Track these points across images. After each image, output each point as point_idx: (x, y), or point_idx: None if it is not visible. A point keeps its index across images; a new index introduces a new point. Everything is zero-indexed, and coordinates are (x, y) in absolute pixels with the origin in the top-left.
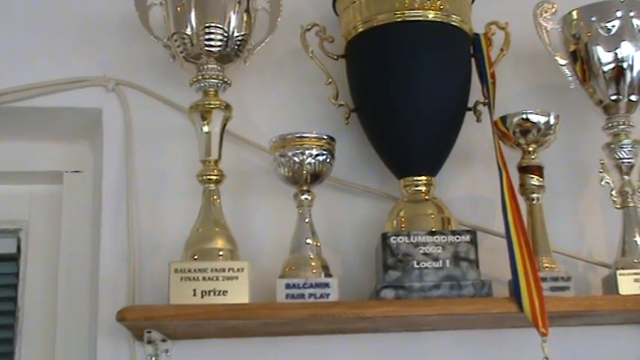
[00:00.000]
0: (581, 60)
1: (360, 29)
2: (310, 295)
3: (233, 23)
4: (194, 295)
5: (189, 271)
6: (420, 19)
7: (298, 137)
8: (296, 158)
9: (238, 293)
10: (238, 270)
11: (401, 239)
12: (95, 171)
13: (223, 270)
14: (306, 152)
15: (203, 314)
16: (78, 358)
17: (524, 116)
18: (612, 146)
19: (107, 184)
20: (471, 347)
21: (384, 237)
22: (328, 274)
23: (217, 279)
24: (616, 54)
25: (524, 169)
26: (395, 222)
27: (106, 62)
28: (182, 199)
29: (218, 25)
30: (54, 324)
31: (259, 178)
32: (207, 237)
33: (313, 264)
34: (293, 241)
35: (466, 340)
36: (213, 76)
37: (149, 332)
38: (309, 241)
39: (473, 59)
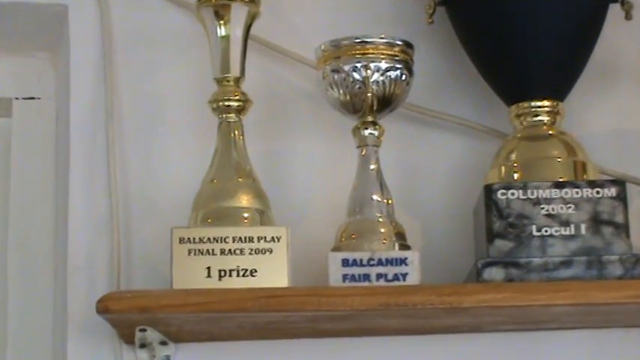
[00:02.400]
0: None
1: None
2: (379, 275)
3: None
4: (208, 276)
5: (201, 240)
6: None
7: (359, 43)
8: (356, 75)
9: (273, 273)
10: (272, 239)
11: (513, 194)
12: (58, 97)
13: (251, 239)
14: (372, 66)
15: (221, 304)
16: None
17: None
18: None
19: (76, 115)
20: (616, 355)
21: (489, 191)
22: (405, 246)
23: (242, 252)
24: None
25: None
26: (504, 169)
27: None
28: (187, 137)
29: None
30: (2, 320)
31: (300, 105)
32: (227, 191)
33: (383, 230)
34: (352, 197)
35: (609, 344)
36: None
37: (143, 331)
38: (375, 197)
39: None
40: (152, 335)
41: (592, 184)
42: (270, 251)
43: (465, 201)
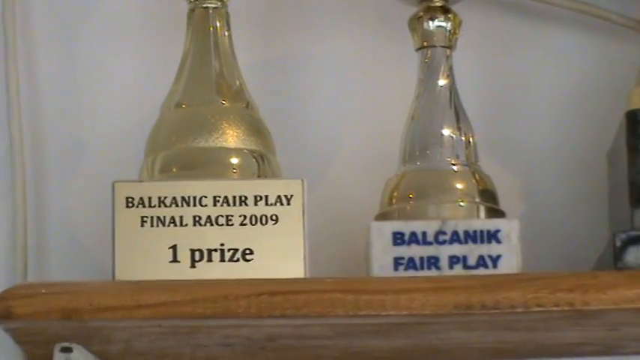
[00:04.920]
0: None
1: None
2: (454, 259)
3: None
4: (174, 260)
5: (162, 203)
6: None
7: None
8: None
9: (279, 256)
10: (279, 201)
11: None
12: None
13: (244, 201)
14: None
15: (195, 306)
16: None
17: None
18: None
19: None
20: None
21: (635, 120)
22: (496, 211)
23: (229, 222)
24: None
25: None
26: None
27: None
28: (132, 35)
29: None
30: None
31: None
32: (203, 123)
33: (459, 186)
34: (408, 133)
35: None
36: None
37: (67, 351)
38: (447, 132)
39: None
40: (81, 358)
41: None
42: (275, 220)
43: (593, 139)
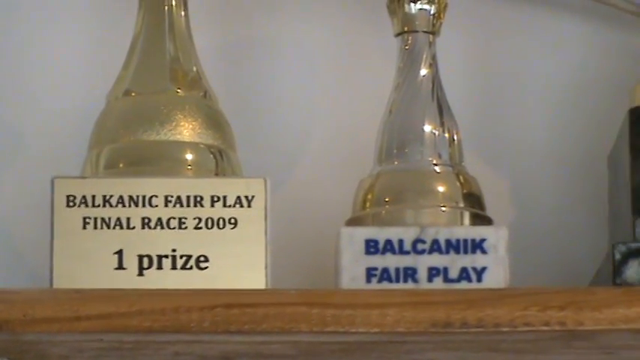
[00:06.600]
0: None
1: None
2: (433, 271)
3: None
4: (119, 267)
5: (107, 202)
6: None
7: None
8: None
9: (238, 265)
10: (239, 202)
11: None
12: None
13: (199, 201)
14: None
15: (142, 319)
16: None
17: None
18: None
19: None
20: None
21: (637, 118)
22: (481, 218)
23: (182, 225)
24: None
25: None
26: None
27: None
28: (74, 14)
29: None
30: None
31: None
32: (154, 113)
33: (441, 189)
34: (386, 128)
35: None
36: None
37: None
38: (429, 128)
39: None
40: None
41: None
42: (234, 224)
43: (593, 139)
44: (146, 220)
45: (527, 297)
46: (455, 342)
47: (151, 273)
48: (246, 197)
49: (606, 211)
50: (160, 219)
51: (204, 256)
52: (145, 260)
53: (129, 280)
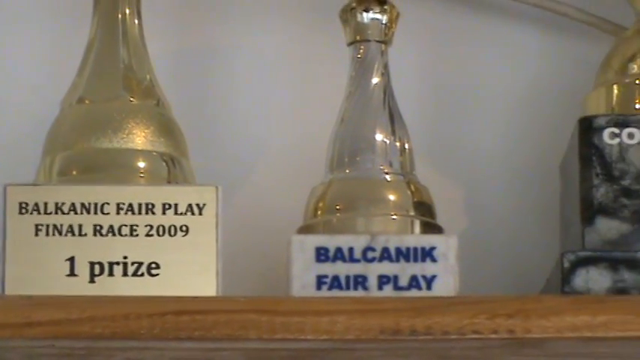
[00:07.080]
0: None
1: None
2: (384, 279)
3: None
4: (71, 273)
5: (59, 209)
6: None
7: None
8: None
9: (189, 272)
10: (190, 210)
11: (632, 135)
12: None
13: (151, 209)
14: None
15: (94, 326)
16: None
17: None
18: None
19: None
20: None
21: (588, 129)
22: (432, 226)
23: (134, 232)
24: None
25: None
26: (616, 90)
27: None
28: (29, 21)
29: None
30: None
31: None
32: (107, 121)
33: (392, 197)
34: (337, 137)
35: None
36: None
37: None
38: (381, 137)
39: None
40: None
41: None
42: (185, 231)
43: (547, 148)
44: (98, 228)
45: (476, 305)
46: (404, 349)
47: (103, 280)
48: (198, 205)
49: (558, 220)
50: (111, 226)
51: (156, 263)
52: (97, 267)
53: (80, 286)
